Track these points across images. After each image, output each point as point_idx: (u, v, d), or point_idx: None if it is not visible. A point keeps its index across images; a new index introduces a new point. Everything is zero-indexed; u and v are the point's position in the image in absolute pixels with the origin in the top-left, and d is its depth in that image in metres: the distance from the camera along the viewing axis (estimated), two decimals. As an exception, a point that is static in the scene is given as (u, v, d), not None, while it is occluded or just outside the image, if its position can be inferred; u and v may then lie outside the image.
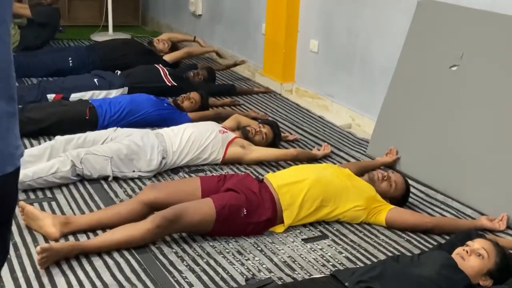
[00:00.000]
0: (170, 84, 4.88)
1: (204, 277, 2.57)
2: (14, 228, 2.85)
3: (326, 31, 4.92)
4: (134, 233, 2.71)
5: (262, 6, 5.51)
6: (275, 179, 3.05)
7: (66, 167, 3.26)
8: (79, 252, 2.64)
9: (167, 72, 4.96)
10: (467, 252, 2.40)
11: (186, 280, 2.54)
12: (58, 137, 3.53)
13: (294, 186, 3.00)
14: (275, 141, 3.95)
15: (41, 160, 3.36)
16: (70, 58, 5.23)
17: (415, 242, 2.98)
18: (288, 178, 3.07)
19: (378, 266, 2.33)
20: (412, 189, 3.54)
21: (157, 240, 2.79)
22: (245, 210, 2.86)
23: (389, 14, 4.28)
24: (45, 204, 3.11)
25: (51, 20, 6.28)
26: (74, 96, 4.46)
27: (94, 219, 2.86)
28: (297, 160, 3.79)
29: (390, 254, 2.85)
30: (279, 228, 2.98)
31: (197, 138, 3.63)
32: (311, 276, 2.60)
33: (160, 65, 5.10)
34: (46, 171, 3.23)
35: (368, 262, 2.76)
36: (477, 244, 2.43)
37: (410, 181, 3.62)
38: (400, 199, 3.24)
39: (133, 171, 3.45)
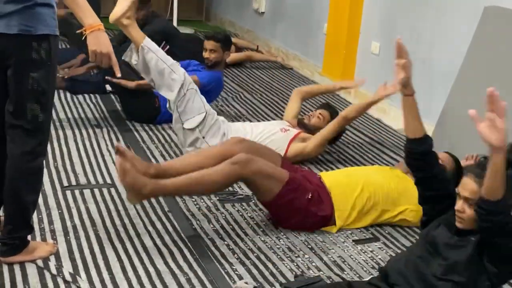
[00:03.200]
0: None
1: (254, 271, 2.61)
2: (73, 211, 2.97)
3: (388, 33, 4.88)
4: (210, 171, 2.78)
5: (325, 5, 5.51)
6: (328, 178, 3.06)
7: (182, 76, 3.46)
8: (154, 186, 2.67)
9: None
10: None
11: (236, 272, 2.58)
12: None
13: (346, 188, 3.01)
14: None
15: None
16: None
17: (468, 251, 2.93)
18: (341, 179, 3.07)
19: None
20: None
21: (229, 185, 2.85)
22: (310, 195, 2.90)
23: (453, 19, 4.21)
24: (105, 190, 3.21)
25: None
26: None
27: (175, 178, 2.79)
28: (352, 117, 3.69)
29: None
30: (332, 229, 2.99)
31: (256, 138, 3.65)
32: (363, 279, 2.60)
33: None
34: (171, 62, 3.46)
35: (419, 268, 2.75)
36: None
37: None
38: (454, 174, 3.03)
39: (203, 137, 3.55)
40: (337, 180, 3.05)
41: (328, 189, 3.00)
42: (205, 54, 4.19)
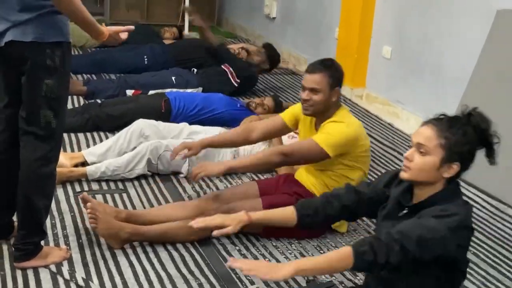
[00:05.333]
0: (236, 84, 4.97)
1: (266, 276, 2.60)
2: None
3: (400, 37, 4.86)
4: (187, 224, 2.78)
5: (336, 10, 5.50)
6: (303, 179, 3.02)
7: (142, 164, 3.39)
8: (131, 230, 2.71)
9: (234, 74, 5.02)
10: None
11: (248, 278, 2.58)
12: (136, 123, 3.68)
13: (319, 180, 2.96)
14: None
15: (116, 147, 3.55)
16: (145, 57, 5.37)
17: (481, 256, 2.92)
18: (310, 175, 3.02)
19: None
20: (482, 203, 3.47)
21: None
22: None
23: (465, 23, 4.19)
24: (116, 196, 3.22)
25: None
26: (152, 93, 4.64)
27: (153, 225, 2.84)
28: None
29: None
30: (341, 227, 2.99)
31: (263, 144, 3.66)
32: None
33: (227, 65, 5.13)
34: (123, 168, 3.37)
35: (432, 273, 2.73)
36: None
37: (481, 195, 3.55)
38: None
39: None
40: (309, 174, 3.01)
41: (311, 189, 2.96)
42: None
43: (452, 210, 1.94)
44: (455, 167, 2.01)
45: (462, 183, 3.65)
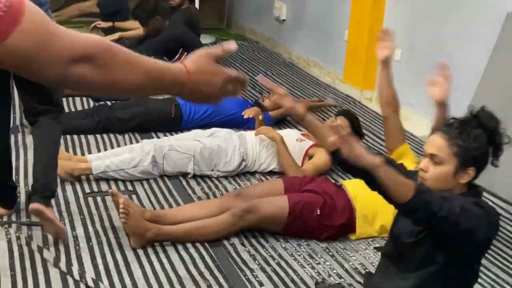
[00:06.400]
0: (178, 54, 5.01)
1: (275, 278, 2.61)
2: (95, 217, 3.00)
3: (410, 40, 4.85)
4: (213, 221, 2.82)
5: (346, 13, 5.50)
6: (351, 186, 3.04)
7: (147, 161, 3.39)
8: (157, 231, 2.74)
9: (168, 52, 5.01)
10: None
11: (257, 279, 2.58)
12: (145, 141, 3.64)
13: (369, 197, 2.98)
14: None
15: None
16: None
17: (491, 258, 2.91)
18: (364, 187, 3.04)
19: None
20: (492, 205, 3.44)
21: (232, 235, 2.86)
22: (318, 211, 2.88)
23: (475, 25, 4.17)
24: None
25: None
26: (161, 98, 4.65)
27: (178, 225, 2.85)
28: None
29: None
30: (352, 235, 2.98)
31: (272, 146, 3.65)
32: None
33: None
34: (128, 164, 3.38)
35: (441, 276, 2.73)
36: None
37: (490, 197, 3.54)
38: None
39: (212, 170, 3.54)
40: (360, 189, 3.02)
41: (350, 195, 2.98)
42: None
43: (483, 203, 2.02)
44: (471, 172, 2.04)
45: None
